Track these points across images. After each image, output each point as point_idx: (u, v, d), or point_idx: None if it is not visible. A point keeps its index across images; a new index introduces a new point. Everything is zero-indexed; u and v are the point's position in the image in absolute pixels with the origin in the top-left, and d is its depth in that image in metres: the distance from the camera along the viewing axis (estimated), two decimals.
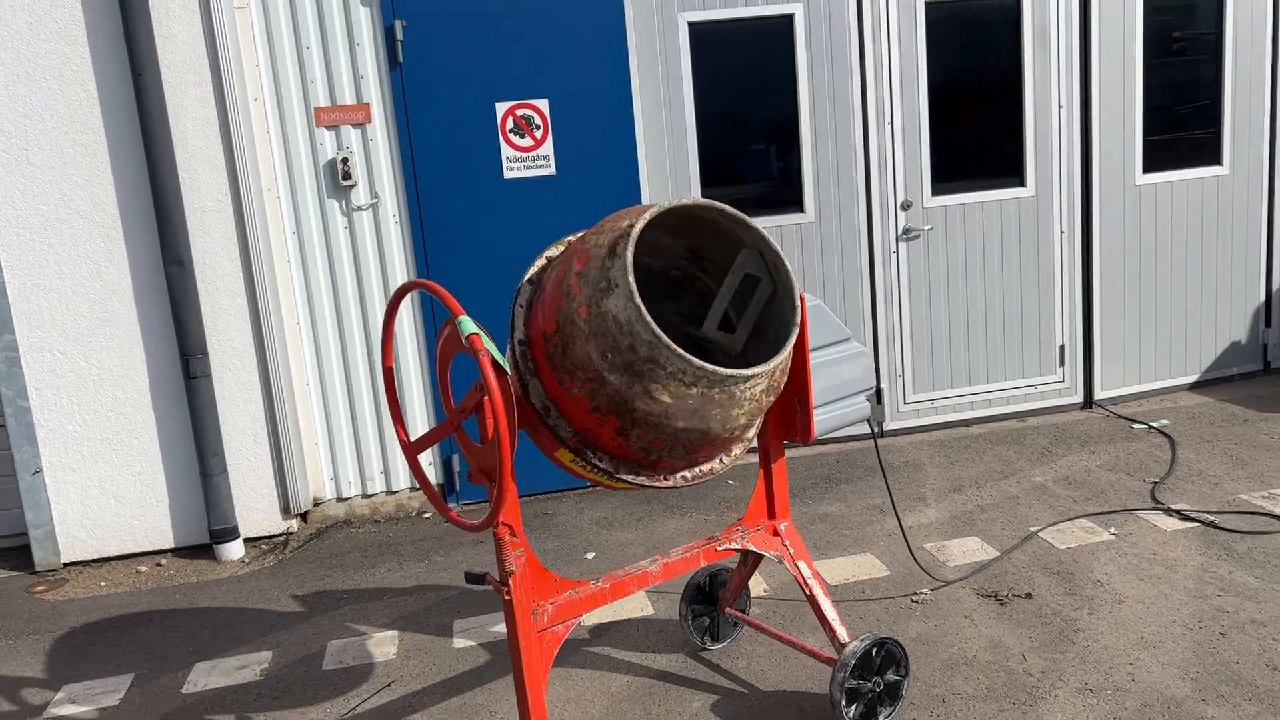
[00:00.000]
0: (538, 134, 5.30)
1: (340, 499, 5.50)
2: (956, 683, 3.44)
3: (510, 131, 5.28)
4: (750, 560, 3.59)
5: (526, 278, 2.94)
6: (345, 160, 5.15)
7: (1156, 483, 5.00)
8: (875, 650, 3.22)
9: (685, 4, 5.47)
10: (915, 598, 4.07)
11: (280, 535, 5.37)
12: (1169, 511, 4.65)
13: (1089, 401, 6.28)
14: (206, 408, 5.05)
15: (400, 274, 5.34)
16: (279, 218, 5.19)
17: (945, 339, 6.04)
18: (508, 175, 5.32)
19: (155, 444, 5.14)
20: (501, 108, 5.25)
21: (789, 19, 5.58)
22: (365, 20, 5.11)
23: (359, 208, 5.26)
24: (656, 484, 2.90)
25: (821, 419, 3.32)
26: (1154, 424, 5.84)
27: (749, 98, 5.66)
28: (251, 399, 5.19)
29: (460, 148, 5.25)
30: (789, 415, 3.27)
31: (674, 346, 2.55)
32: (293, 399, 5.26)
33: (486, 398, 2.75)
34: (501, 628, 4.14)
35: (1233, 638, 3.55)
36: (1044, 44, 5.81)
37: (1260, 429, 5.64)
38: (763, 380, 2.75)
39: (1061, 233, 6.05)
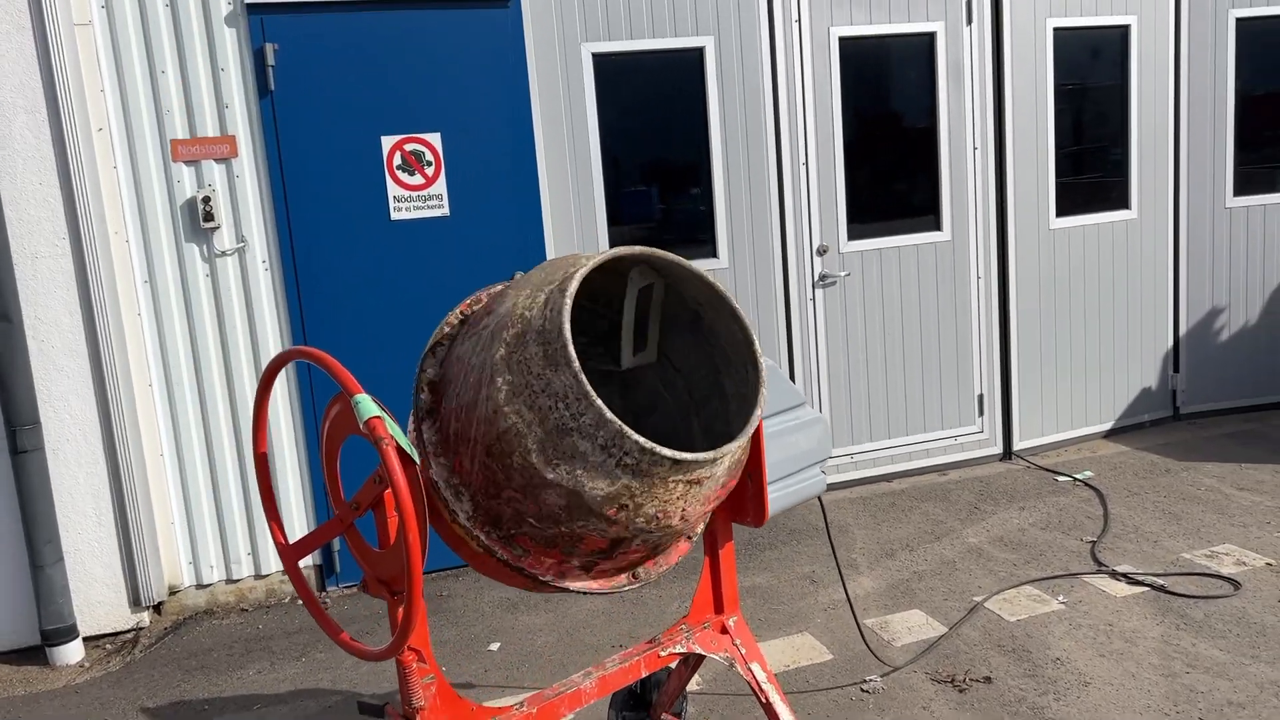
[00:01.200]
0: (429, 171, 4.78)
1: (200, 586, 4.79)
2: None
3: (398, 168, 4.74)
4: (693, 661, 3.12)
5: (430, 345, 2.44)
6: (207, 199, 4.53)
7: (1094, 541, 4.75)
8: None
9: (590, 34, 5.06)
10: (865, 686, 3.66)
11: (129, 632, 4.62)
12: (1114, 575, 4.39)
13: (1008, 452, 6.06)
14: (38, 486, 4.31)
15: (270, 328, 4.71)
16: (128, 265, 4.52)
17: (864, 390, 5.74)
18: (395, 217, 4.77)
19: None
20: (388, 142, 4.72)
21: (699, 52, 5.23)
22: (231, 41, 4.52)
23: (223, 253, 4.63)
24: (603, 590, 2.42)
25: (776, 496, 2.89)
26: (1078, 476, 5.63)
27: (658, 136, 5.27)
28: (94, 474, 4.47)
29: (341, 186, 4.69)
30: (739, 494, 2.83)
31: (645, 443, 2.10)
32: (144, 473, 4.56)
33: (389, 492, 2.22)
34: None
35: None
36: (958, 82, 5.62)
37: (1184, 479, 5.49)
38: (727, 459, 2.31)
39: (978, 278, 5.84)
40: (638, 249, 2.33)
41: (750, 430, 2.31)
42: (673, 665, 3.27)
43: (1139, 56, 6.00)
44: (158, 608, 4.75)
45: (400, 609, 2.27)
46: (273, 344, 4.71)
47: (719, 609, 2.96)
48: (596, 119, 5.12)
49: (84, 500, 4.47)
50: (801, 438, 2.96)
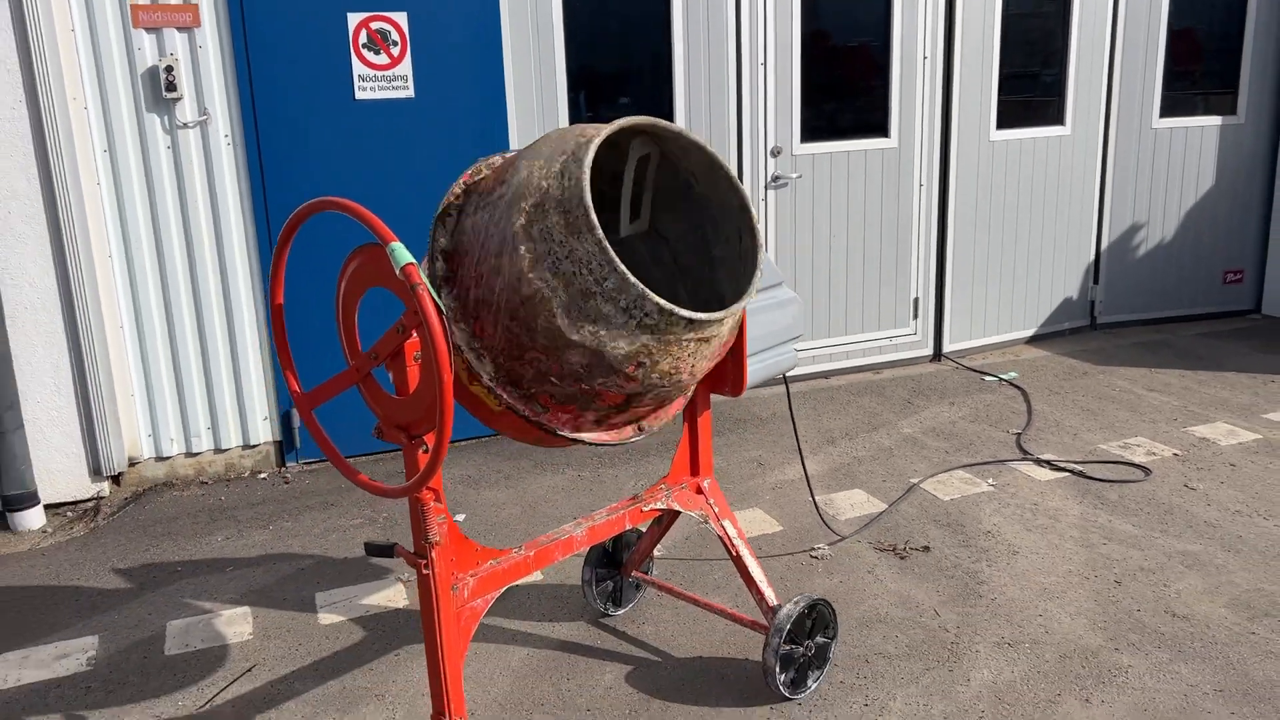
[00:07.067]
0: (394, 51, 4.77)
1: (160, 458, 4.84)
2: (875, 641, 3.33)
3: (363, 46, 4.72)
4: (665, 520, 3.34)
5: (438, 214, 2.54)
6: (169, 69, 4.46)
7: (1019, 433, 5.10)
8: (808, 612, 3.04)
9: None
10: (814, 553, 3.94)
11: (89, 501, 4.66)
12: (1038, 461, 4.74)
13: (938, 354, 6.39)
14: None
15: (232, 202, 4.70)
16: (87, 133, 4.44)
17: (808, 291, 5.96)
18: (359, 96, 4.76)
19: None
20: (354, 19, 4.68)
21: None
22: None
23: (185, 125, 4.58)
24: (612, 442, 2.60)
25: (754, 369, 3.09)
26: (1004, 376, 5.99)
27: (622, 27, 5.31)
28: (53, 343, 4.45)
29: (306, 62, 4.65)
30: (719, 366, 3.02)
31: (661, 301, 2.27)
32: (104, 343, 4.55)
33: (409, 343, 2.35)
34: (373, 599, 3.71)
35: (1128, 585, 3.62)
36: None
37: (1101, 381, 5.88)
38: (731, 319, 2.49)
39: (921, 185, 6.08)
40: (644, 119, 2.45)
41: (754, 290, 2.48)
42: (643, 528, 3.49)
43: None
44: (117, 478, 4.79)
45: (418, 453, 2.41)
46: (234, 220, 4.71)
47: (695, 471, 3.17)
48: (561, 6, 5.13)
49: (43, 368, 4.45)
50: (779, 315, 3.15)
